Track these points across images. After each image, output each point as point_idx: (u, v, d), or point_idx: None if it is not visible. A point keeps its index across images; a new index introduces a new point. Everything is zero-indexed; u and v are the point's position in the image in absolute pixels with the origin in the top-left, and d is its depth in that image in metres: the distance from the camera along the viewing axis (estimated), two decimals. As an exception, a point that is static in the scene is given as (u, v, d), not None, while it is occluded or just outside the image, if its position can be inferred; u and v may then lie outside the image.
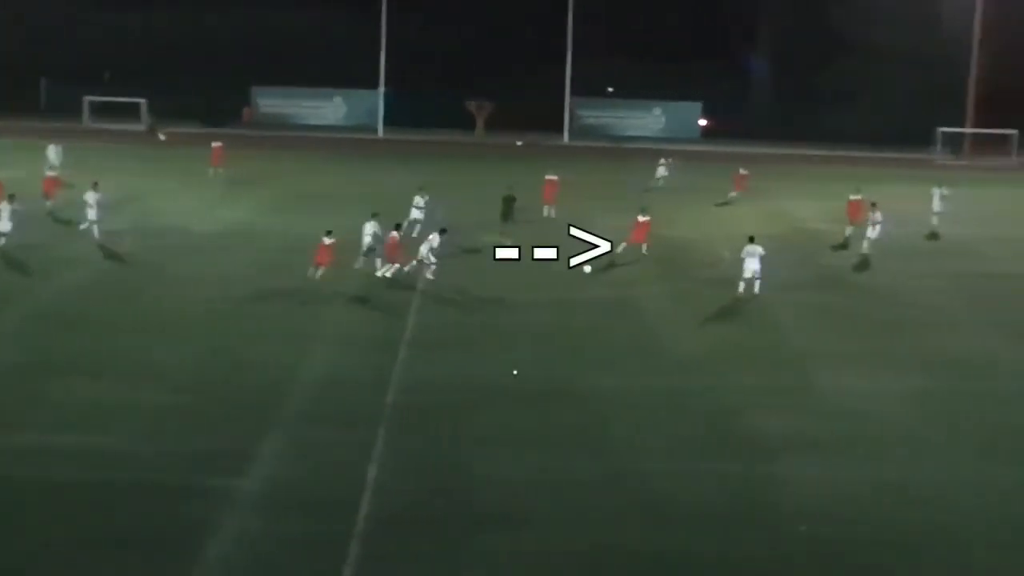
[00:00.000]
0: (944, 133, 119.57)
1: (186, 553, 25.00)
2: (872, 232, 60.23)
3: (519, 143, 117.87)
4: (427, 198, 61.40)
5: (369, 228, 51.28)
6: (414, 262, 50.41)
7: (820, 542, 26.94)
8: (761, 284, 49.70)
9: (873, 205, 61.17)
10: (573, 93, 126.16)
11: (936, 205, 69.72)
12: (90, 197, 57.21)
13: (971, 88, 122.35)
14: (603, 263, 55.69)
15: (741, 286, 49.80)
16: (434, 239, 50.52)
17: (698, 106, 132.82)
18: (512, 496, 28.75)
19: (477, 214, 67.69)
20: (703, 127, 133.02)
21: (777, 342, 43.83)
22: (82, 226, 57.05)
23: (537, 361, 40.12)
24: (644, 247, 56.66)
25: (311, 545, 25.67)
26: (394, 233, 50.74)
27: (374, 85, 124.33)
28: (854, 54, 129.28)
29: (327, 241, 48.57)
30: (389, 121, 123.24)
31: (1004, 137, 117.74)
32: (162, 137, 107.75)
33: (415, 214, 60.08)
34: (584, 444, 32.51)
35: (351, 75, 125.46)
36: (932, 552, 26.73)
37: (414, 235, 56.34)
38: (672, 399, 36.56)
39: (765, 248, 50.61)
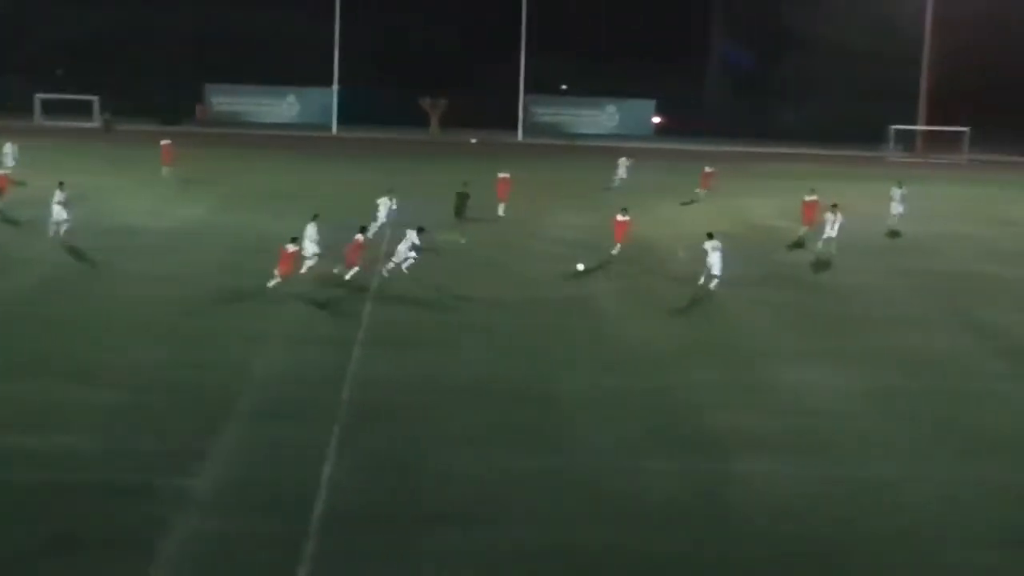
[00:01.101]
0: (897, 130, 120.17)
1: (141, 552, 24.81)
2: (832, 232, 59.95)
3: (473, 140, 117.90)
4: (394, 203, 60.53)
5: (311, 230, 50.73)
6: (391, 264, 50.05)
7: (778, 539, 26.96)
8: (717, 280, 49.91)
9: (834, 206, 60.79)
10: (527, 91, 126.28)
11: (896, 205, 69.52)
12: (57, 197, 56.56)
13: (923, 86, 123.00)
14: (564, 262, 55.70)
15: (703, 279, 50.10)
16: (412, 235, 50.44)
17: (652, 104, 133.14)
18: (468, 494, 28.68)
19: (432, 212, 67.60)
20: (657, 125, 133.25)
21: (735, 340, 43.89)
22: (51, 231, 56.00)
23: (493, 359, 40.09)
24: (618, 246, 56.36)
25: (266, 543, 25.52)
26: (359, 236, 50.30)
27: (328, 83, 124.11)
28: (807, 52, 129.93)
29: (290, 248, 47.50)
30: (343, 119, 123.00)
31: (956, 134, 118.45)
32: (109, 132, 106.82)
33: (382, 217, 59.34)
34: (541, 441, 32.46)
35: (305, 73, 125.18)
36: (889, 548, 26.75)
37: (372, 236, 56.24)
38: (630, 397, 36.53)
39: (721, 245, 50.75)
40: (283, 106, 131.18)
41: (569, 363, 39.90)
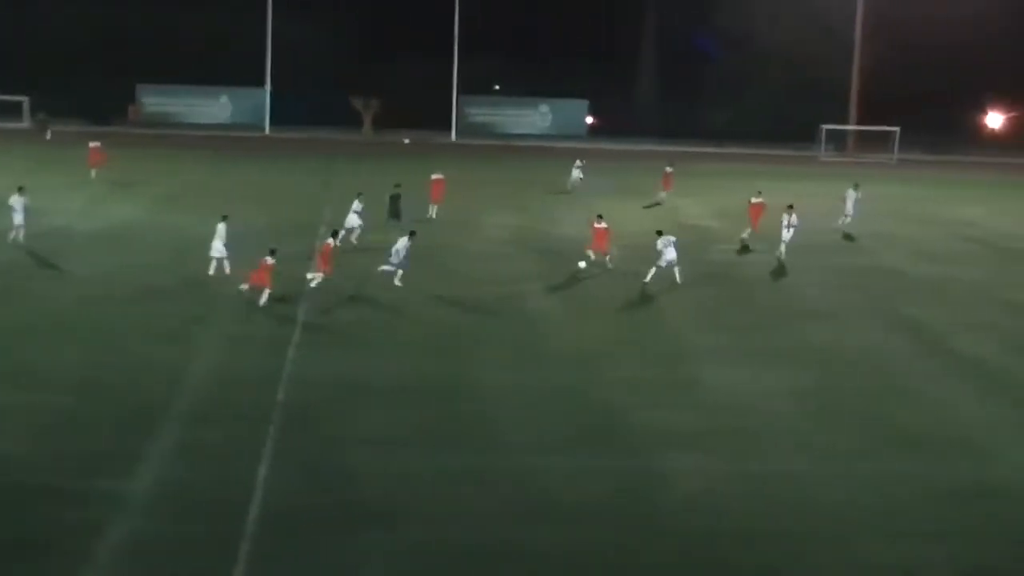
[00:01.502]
0: (828, 130, 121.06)
1: (74, 556, 24.77)
2: (786, 235, 59.12)
3: (406, 141, 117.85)
4: (363, 205, 60.28)
5: (221, 230, 50.56)
6: (382, 267, 49.84)
7: (697, 536, 27.22)
8: (677, 268, 51.73)
9: (789, 207, 60.00)
10: (460, 91, 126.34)
11: (849, 207, 69.29)
12: (15, 202, 55.71)
13: (854, 86, 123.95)
14: (496, 262, 55.92)
15: (651, 273, 51.19)
16: (402, 243, 49.92)
17: (585, 104, 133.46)
18: (400, 493, 28.78)
19: (367, 211, 67.65)
20: (590, 125, 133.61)
21: (661, 338, 44.18)
22: (11, 235, 55.22)
23: (424, 358, 40.15)
24: (608, 258, 55.06)
25: (201, 546, 25.55)
26: (329, 240, 50.04)
27: (260, 83, 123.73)
28: (739, 52, 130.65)
29: (269, 261, 46.03)
30: (276, 120, 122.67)
31: (886, 134, 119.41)
32: (48, 136, 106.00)
33: (352, 220, 58.90)
34: (469, 440, 32.62)
35: (237, 73, 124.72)
36: (808, 544, 27.06)
37: (353, 241, 56.75)
38: (557, 395, 36.72)
39: (652, 241, 51.01)
40: (216, 106, 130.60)
41: (497, 362, 40.05)
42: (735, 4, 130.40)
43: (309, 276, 48.99)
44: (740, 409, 36.05)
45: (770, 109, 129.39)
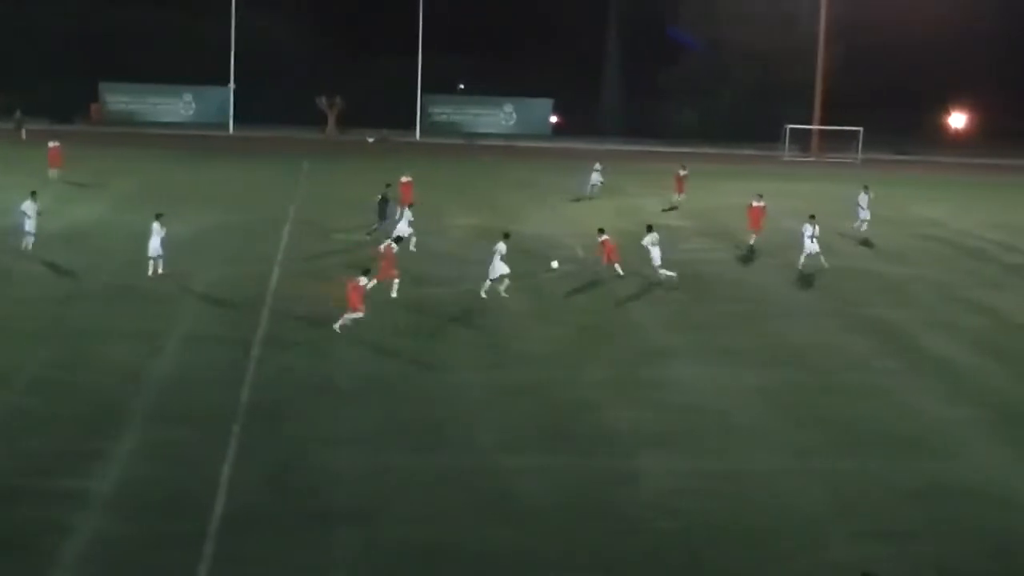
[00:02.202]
0: (792, 130, 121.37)
1: (39, 556, 24.69)
2: (810, 246, 57.07)
3: (370, 140, 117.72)
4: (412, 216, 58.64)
5: (157, 228, 50.27)
6: (488, 283, 48.53)
7: (659, 535, 27.28)
8: (663, 271, 52.14)
9: (811, 217, 58.33)
10: (424, 90, 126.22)
11: (863, 211, 68.53)
12: (28, 208, 54.25)
13: (818, 86, 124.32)
14: (459, 261, 55.90)
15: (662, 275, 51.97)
16: (500, 247, 48.92)
17: (549, 103, 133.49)
18: (366, 492, 28.77)
19: (330, 212, 67.70)
20: (554, 124, 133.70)
21: (625, 337, 44.18)
22: (24, 243, 53.84)
23: (387, 357, 40.13)
24: (618, 266, 53.48)
25: (166, 545, 25.48)
26: (392, 244, 49.25)
27: (224, 82, 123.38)
28: (703, 52, 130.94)
29: (362, 281, 42.96)
30: (240, 118, 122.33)
31: (850, 134, 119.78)
32: (23, 136, 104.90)
33: (403, 228, 56.99)
34: (437, 440, 32.60)
35: (201, 71, 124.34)
36: (771, 543, 27.16)
37: (412, 249, 56.28)
38: (524, 394, 36.74)
39: (616, 241, 51.00)
40: (180, 105, 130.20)
41: (464, 361, 40.06)
42: (700, 4, 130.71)
43: (363, 281, 48.00)
44: (707, 408, 36.12)
45: (734, 109, 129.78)
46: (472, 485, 29.55)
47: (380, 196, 61.96)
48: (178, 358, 39.19)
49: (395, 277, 48.07)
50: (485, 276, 48.27)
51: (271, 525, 26.68)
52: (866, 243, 66.17)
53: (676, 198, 78.01)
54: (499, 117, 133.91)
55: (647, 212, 74.10)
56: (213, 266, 51.92)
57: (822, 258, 57.09)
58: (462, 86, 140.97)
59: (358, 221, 63.77)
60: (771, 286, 54.03)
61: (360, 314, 42.04)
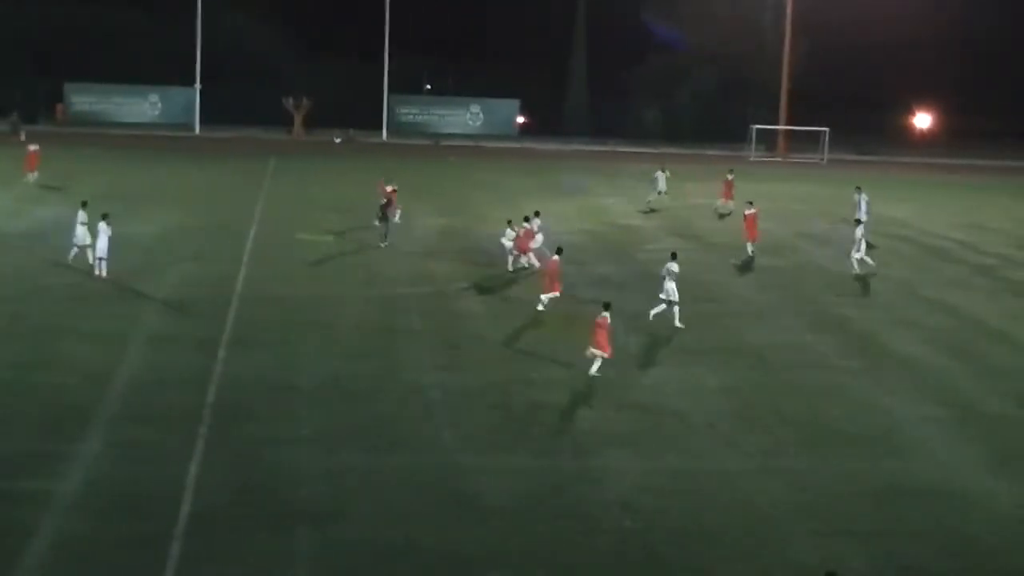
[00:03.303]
0: (758, 130, 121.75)
1: (5, 557, 24.61)
2: (856, 252, 57.08)
3: (337, 140, 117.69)
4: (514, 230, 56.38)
5: (104, 228, 50.02)
6: (660, 307, 45.95)
7: (625, 535, 27.36)
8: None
9: (857, 222, 58.90)
10: (391, 90, 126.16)
11: (862, 214, 66.56)
12: (80, 217, 52.17)
13: (784, 86, 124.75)
14: (424, 262, 55.92)
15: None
16: (672, 266, 46.59)
17: (515, 104, 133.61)
18: (331, 492, 28.77)
19: (297, 213, 67.68)
20: (520, 125, 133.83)
21: (586, 337, 44.08)
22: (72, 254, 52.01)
23: (352, 357, 40.15)
24: (530, 257, 53.51)
25: (132, 546, 25.44)
26: (555, 256, 47.89)
27: (190, 82, 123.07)
28: (670, 52, 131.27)
29: (605, 317, 39.64)
30: (206, 119, 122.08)
31: (816, 134, 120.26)
32: (23, 137, 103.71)
33: (506, 243, 55.27)
34: (400, 440, 32.61)
35: (167, 72, 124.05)
36: (737, 542, 27.26)
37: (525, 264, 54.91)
38: (487, 394, 36.79)
39: (582, 241, 50.94)
40: (145, 105, 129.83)
41: (426, 361, 40.06)
42: (666, 5, 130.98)
43: (544, 299, 47.37)
44: (669, 408, 36.20)
45: (700, 109, 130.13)
46: (434, 485, 29.59)
47: (384, 199, 61.52)
48: (143, 358, 39.10)
49: (558, 292, 47.35)
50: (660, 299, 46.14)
51: (237, 525, 26.68)
52: (870, 245, 65.54)
53: (722, 205, 75.58)
54: (465, 117, 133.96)
55: (614, 213, 74.35)
56: (179, 266, 51.83)
57: (856, 264, 57.23)
58: (428, 86, 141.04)
59: (326, 222, 63.79)
60: (733, 286, 54.19)
61: (606, 355, 38.75)
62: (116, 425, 32.76)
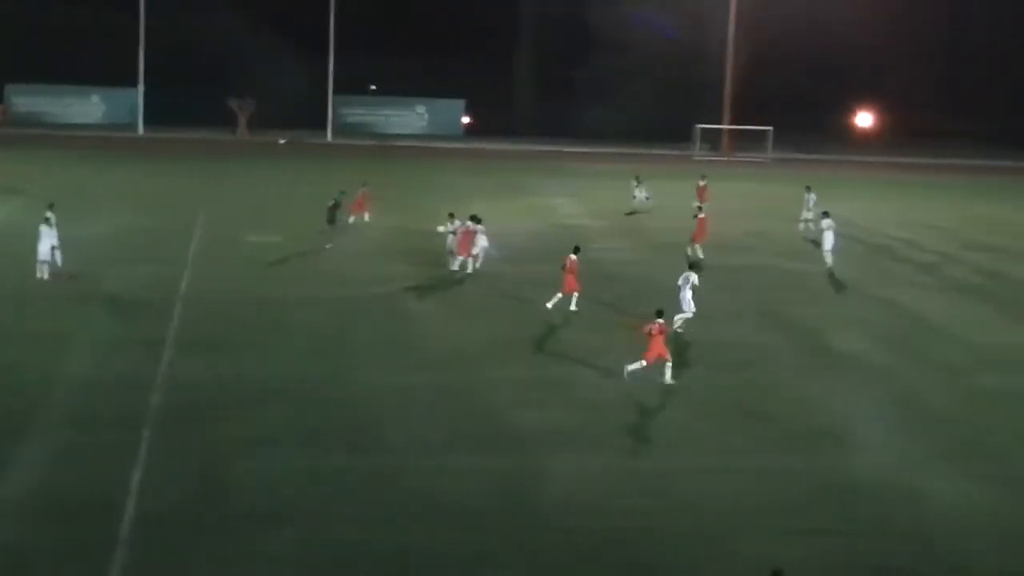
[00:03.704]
0: (703, 129, 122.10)
1: (-56, 564, 24.42)
2: (827, 243, 58.29)
3: (282, 141, 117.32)
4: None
5: (46, 231, 49.73)
6: (684, 316, 44.94)
7: (578, 534, 27.31)
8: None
9: (825, 214, 59.74)
10: (336, 91, 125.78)
11: (808, 211, 68.87)
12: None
13: (728, 86, 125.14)
14: (374, 263, 55.78)
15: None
16: (692, 277, 45.46)
17: (461, 104, 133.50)
18: (280, 495, 28.60)
19: (241, 214, 67.39)
20: (466, 125, 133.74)
21: (543, 337, 44.26)
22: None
23: (301, 358, 39.95)
24: (469, 260, 53.10)
25: (76, 552, 25.20)
26: (572, 256, 47.78)
27: (133, 83, 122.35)
28: (615, 52, 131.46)
29: (659, 324, 38.74)
30: (149, 120, 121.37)
31: (760, 133, 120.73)
32: None
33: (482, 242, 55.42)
34: (350, 442, 32.47)
35: (110, 72, 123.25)
36: (689, 541, 27.29)
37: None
38: (438, 395, 36.67)
39: (528, 241, 50.85)
40: (88, 106, 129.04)
41: (376, 362, 39.93)
42: (612, 3, 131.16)
43: (572, 299, 47.62)
44: (621, 407, 36.18)
45: (646, 109, 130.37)
46: (388, 487, 29.45)
47: (332, 201, 61.22)
48: (88, 360, 38.78)
49: (577, 291, 47.32)
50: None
51: (184, 529, 26.47)
52: (815, 243, 65.96)
53: (698, 206, 73.58)
54: (411, 118, 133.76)
55: (558, 212, 74.42)
56: (123, 268, 51.48)
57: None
58: (374, 87, 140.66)
59: (272, 223, 63.57)
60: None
61: (669, 361, 38.25)
62: (59, 428, 32.44)
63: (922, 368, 42.23)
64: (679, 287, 45.29)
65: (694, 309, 44.78)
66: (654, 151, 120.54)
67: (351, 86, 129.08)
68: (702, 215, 61.68)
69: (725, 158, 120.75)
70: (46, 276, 48.98)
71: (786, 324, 47.56)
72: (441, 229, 54.89)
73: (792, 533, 27.85)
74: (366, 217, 67.24)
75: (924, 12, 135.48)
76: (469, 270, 53.79)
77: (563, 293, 47.16)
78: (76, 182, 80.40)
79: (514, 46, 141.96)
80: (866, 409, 37.17)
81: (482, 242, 54.65)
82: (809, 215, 69.05)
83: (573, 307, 47.26)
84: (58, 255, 49.48)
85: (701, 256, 59.77)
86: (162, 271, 51.48)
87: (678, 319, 44.68)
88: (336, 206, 60.78)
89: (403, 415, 34.73)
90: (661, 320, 38.48)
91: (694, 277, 45.42)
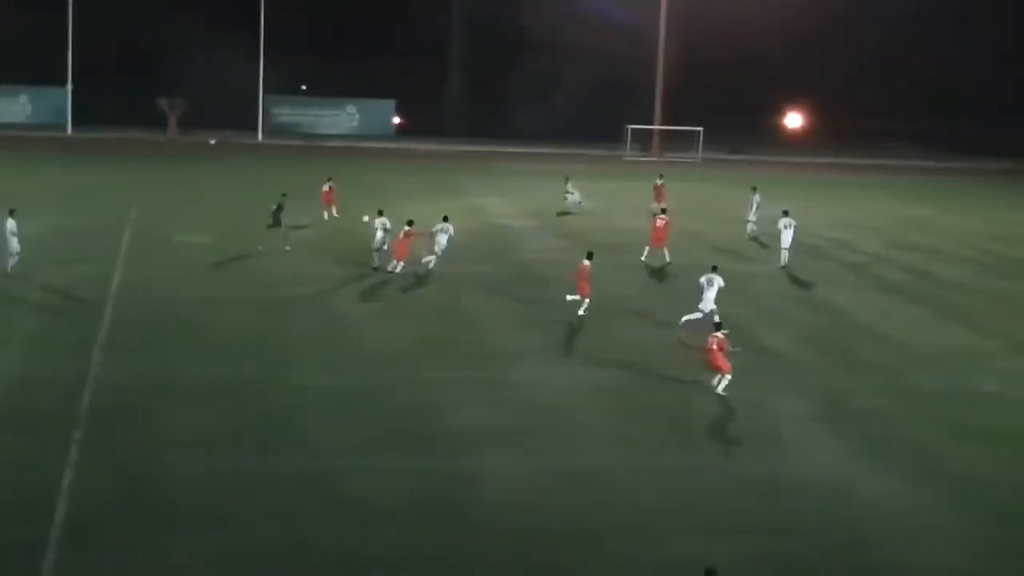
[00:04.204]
0: (633, 130, 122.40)
1: None
2: (785, 241, 60.31)
3: (212, 141, 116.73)
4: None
5: (11, 224, 49.65)
6: (699, 314, 45.60)
7: (510, 535, 27.48)
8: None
9: (786, 213, 61.23)
10: (266, 91, 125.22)
11: (752, 212, 69.79)
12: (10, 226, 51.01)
13: (659, 86, 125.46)
14: (303, 263, 55.68)
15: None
16: (717, 280, 46.63)
17: (392, 104, 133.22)
18: (212, 496, 28.59)
19: (172, 214, 67.07)
20: (397, 125, 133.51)
21: (469, 338, 44.29)
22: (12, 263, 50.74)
23: (231, 359, 39.93)
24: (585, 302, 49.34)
25: (5, 555, 25.07)
26: (585, 261, 47.93)
27: (62, 82, 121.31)
28: (545, 52, 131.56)
29: (720, 336, 38.89)
30: (78, 119, 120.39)
31: (691, 134, 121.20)
32: None
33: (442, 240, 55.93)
34: (281, 442, 32.47)
35: (38, 72, 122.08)
36: (619, 540, 27.44)
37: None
38: (368, 396, 36.76)
39: (460, 241, 50.88)
40: (15, 106, 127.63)
41: (307, 363, 39.92)
42: (541, 4, 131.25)
43: (570, 298, 47.70)
44: (551, 408, 36.35)
45: (576, 109, 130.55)
46: (318, 488, 29.48)
47: (276, 204, 60.55)
48: (16, 362, 38.53)
49: (587, 296, 47.48)
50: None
51: (115, 532, 26.39)
52: (759, 242, 67.40)
53: (655, 206, 74.05)
54: (342, 118, 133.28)
55: (490, 212, 74.48)
56: (53, 269, 51.13)
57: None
58: (304, 87, 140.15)
59: (202, 223, 63.29)
60: (613, 285, 54.34)
61: (728, 376, 38.21)
62: (-11, 431, 32.28)
63: (852, 367, 42.61)
64: (701, 287, 46.20)
65: (712, 307, 45.26)
66: (585, 151, 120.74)
67: (282, 86, 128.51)
68: (664, 217, 61.61)
69: (655, 159, 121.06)
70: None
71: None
72: (366, 219, 54.90)
73: (724, 532, 28.09)
74: (334, 211, 68.34)
75: (856, 15, 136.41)
76: (391, 269, 53.59)
77: (581, 297, 47.37)
78: (2, 183, 79.58)
79: (445, 46, 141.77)
80: (794, 408, 37.49)
81: (442, 242, 54.67)
82: (754, 216, 69.63)
83: (581, 312, 47.30)
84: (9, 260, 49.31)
85: (668, 260, 59.84)
86: (92, 271, 51.15)
87: (700, 314, 45.35)
88: (280, 209, 60.20)
89: (332, 416, 34.75)
90: (719, 334, 38.57)
91: (719, 280, 46.29)
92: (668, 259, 59.23)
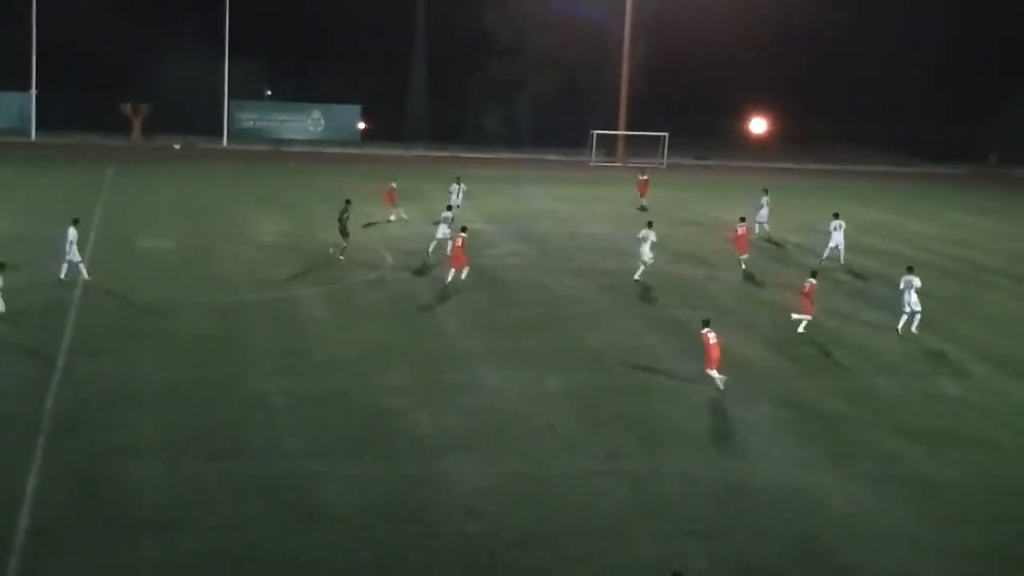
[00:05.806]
0: (598, 135, 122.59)
1: None
2: (833, 241, 64.18)
3: (177, 147, 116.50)
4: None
5: (72, 234, 49.72)
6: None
7: (471, 539, 27.60)
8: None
9: (836, 215, 64.69)
10: (231, 95, 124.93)
11: (764, 213, 72.30)
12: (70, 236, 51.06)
13: (623, 92, 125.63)
14: (264, 267, 55.65)
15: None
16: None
17: (357, 109, 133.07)
18: (175, 501, 28.62)
19: (136, 220, 66.98)
20: (362, 130, 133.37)
21: (429, 342, 44.34)
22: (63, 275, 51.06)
23: (191, 363, 39.94)
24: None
25: (-32, 560, 25.12)
26: (812, 280, 48.09)
27: (25, 87, 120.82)
28: (510, 57, 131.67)
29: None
30: (42, 125, 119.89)
31: (654, 139, 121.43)
32: None
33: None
34: (244, 447, 32.52)
35: (0, 78, 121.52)
36: (587, 545, 27.59)
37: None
38: (329, 400, 36.81)
39: (424, 245, 50.82)
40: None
41: (268, 367, 39.99)
42: (506, 9, 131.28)
43: (795, 318, 48.18)
44: (511, 412, 36.49)
45: (541, 114, 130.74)
46: (278, 492, 29.56)
47: (343, 212, 59.54)
48: (-20, 369, 38.51)
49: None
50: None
51: (78, 537, 26.41)
52: (776, 244, 69.50)
53: (642, 200, 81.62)
54: (307, 123, 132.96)
55: (457, 217, 74.43)
56: (15, 273, 50.88)
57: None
58: (269, 92, 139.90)
59: (166, 228, 63.21)
60: (574, 289, 54.56)
61: (723, 378, 39.55)
62: (-49, 437, 32.23)
63: (809, 371, 42.86)
64: (902, 291, 48.55)
65: (920, 309, 48.20)
66: (548, 157, 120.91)
67: (247, 91, 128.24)
68: (743, 225, 63.08)
69: (620, 164, 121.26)
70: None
71: (677, 328, 47.85)
72: (392, 218, 55.08)
73: (684, 536, 28.26)
74: (402, 213, 69.69)
75: (820, 20, 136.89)
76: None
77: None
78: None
79: (409, 51, 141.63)
80: (755, 412, 37.68)
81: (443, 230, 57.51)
82: (765, 218, 70.86)
83: (801, 329, 47.91)
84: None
85: (744, 267, 60.87)
86: (55, 277, 51.00)
87: (903, 323, 48.19)
88: (347, 216, 59.50)
89: (293, 420, 34.80)
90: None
91: (917, 281, 48.53)
92: (744, 266, 60.62)
